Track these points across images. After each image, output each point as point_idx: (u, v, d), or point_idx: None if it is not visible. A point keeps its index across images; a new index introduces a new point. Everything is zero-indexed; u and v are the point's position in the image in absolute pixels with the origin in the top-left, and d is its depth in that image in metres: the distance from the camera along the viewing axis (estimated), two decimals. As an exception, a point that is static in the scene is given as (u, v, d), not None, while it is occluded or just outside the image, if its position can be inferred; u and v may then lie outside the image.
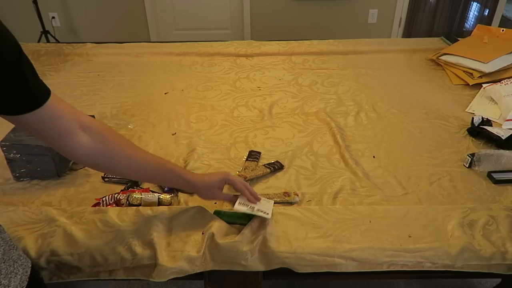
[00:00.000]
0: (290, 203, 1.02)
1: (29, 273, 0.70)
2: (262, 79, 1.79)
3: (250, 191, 0.93)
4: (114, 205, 0.99)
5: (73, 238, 0.88)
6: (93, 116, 1.39)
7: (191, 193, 1.05)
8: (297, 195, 1.04)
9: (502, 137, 1.23)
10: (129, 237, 0.88)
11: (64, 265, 0.86)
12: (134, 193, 1.00)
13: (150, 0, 3.77)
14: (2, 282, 0.62)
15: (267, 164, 1.17)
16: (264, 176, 1.13)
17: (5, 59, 0.58)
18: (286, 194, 1.04)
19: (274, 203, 1.01)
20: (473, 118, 1.37)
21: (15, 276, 0.66)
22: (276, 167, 1.16)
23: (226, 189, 0.94)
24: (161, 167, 0.86)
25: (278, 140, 1.33)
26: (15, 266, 0.66)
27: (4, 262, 0.64)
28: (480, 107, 1.52)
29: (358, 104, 1.56)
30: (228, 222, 0.93)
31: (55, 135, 0.69)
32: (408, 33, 3.95)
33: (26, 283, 0.68)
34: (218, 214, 0.95)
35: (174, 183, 0.93)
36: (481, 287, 1.55)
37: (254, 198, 0.93)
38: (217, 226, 0.91)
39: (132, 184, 1.09)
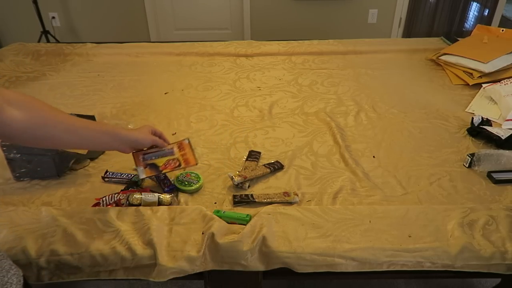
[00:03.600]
0: (290, 203, 1.02)
1: (22, 282, 0.69)
2: (262, 79, 1.79)
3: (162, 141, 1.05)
4: (114, 205, 0.99)
5: (73, 238, 0.88)
6: (93, 116, 1.41)
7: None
8: (297, 195, 1.04)
9: (502, 137, 1.23)
10: (129, 237, 0.88)
11: (64, 265, 0.86)
12: (134, 193, 1.00)
13: (150, 0, 3.77)
14: None
15: (267, 164, 1.17)
16: (264, 176, 1.13)
17: None
18: (286, 194, 1.05)
19: (274, 203, 1.02)
20: (473, 118, 1.37)
21: (11, 285, 0.65)
22: (276, 167, 1.16)
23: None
24: (94, 126, 0.88)
25: (278, 140, 1.33)
26: (9, 276, 0.66)
27: None
28: (480, 107, 1.52)
29: (358, 104, 1.56)
30: (227, 222, 0.93)
31: None
32: (408, 33, 3.95)
33: None
34: (218, 213, 0.95)
35: (111, 141, 0.92)
36: (481, 287, 1.55)
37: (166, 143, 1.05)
38: (217, 226, 0.91)
39: (132, 184, 1.10)
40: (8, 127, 0.69)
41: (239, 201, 1.02)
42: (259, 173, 1.12)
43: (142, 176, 1.02)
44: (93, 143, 0.90)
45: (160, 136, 1.05)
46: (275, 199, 1.02)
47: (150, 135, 1.00)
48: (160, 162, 1.04)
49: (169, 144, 1.08)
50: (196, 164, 1.06)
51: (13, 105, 0.70)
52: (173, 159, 1.06)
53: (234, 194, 1.04)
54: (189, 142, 1.12)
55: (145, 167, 1.03)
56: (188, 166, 1.05)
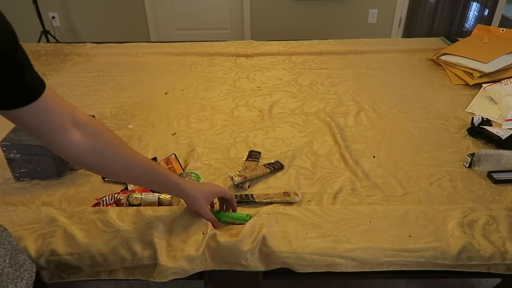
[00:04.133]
0: (290, 203, 1.02)
1: (34, 278, 0.69)
2: (262, 79, 1.79)
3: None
4: (114, 205, 0.99)
5: (73, 238, 0.88)
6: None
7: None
8: (297, 195, 1.04)
9: (502, 137, 1.23)
10: (129, 237, 0.88)
11: (64, 265, 0.86)
12: (134, 193, 1.00)
13: (150, 0, 3.77)
14: (8, 287, 0.62)
15: (267, 164, 1.17)
16: (264, 176, 1.13)
17: (1, 48, 0.55)
18: (286, 194, 1.05)
19: (274, 203, 1.02)
20: (473, 118, 1.37)
21: (21, 280, 0.65)
22: (276, 167, 1.16)
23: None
24: (152, 170, 0.83)
25: (278, 140, 1.33)
26: (21, 270, 0.66)
27: (11, 267, 0.63)
28: (480, 107, 1.52)
29: (358, 104, 1.56)
30: (228, 223, 0.93)
31: (47, 131, 0.66)
32: (408, 33, 3.95)
33: (31, 287, 0.68)
34: (218, 214, 0.95)
35: (164, 187, 0.88)
36: (481, 287, 1.55)
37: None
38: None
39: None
40: (67, 148, 0.69)
41: (239, 201, 1.02)
42: (259, 173, 1.12)
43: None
44: (146, 185, 0.89)
45: (229, 200, 0.95)
46: (275, 199, 1.02)
47: (203, 205, 0.89)
48: None
49: (235, 210, 0.96)
50: (183, 171, 1.12)
51: (79, 128, 0.69)
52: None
53: (235, 194, 1.04)
54: (175, 156, 1.19)
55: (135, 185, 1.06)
56: (176, 174, 1.09)
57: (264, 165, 1.16)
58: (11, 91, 0.59)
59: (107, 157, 0.75)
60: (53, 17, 3.80)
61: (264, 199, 1.02)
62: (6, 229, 0.66)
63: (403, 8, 3.84)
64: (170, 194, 0.94)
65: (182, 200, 1.03)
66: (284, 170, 1.17)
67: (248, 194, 1.04)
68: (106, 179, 1.12)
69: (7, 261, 0.62)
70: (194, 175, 1.10)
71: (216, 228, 0.90)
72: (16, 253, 0.66)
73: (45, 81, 0.65)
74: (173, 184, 0.85)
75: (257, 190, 1.08)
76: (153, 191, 1.04)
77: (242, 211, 0.98)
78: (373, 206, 1.00)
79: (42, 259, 0.85)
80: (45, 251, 0.86)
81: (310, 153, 1.25)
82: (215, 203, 0.98)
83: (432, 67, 1.91)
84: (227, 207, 0.97)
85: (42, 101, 0.62)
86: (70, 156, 0.71)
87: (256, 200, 1.02)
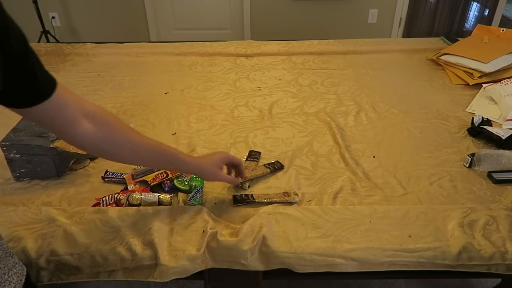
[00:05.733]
0: (290, 203, 1.02)
1: (23, 281, 0.69)
2: (262, 79, 1.79)
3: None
4: (114, 205, 0.99)
5: (73, 238, 0.88)
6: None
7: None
8: (297, 195, 1.04)
9: (502, 137, 1.23)
10: (129, 237, 0.88)
11: (64, 265, 0.86)
12: (134, 193, 1.00)
13: (150, 0, 3.77)
14: None
15: (267, 164, 1.17)
16: (264, 176, 1.13)
17: (14, 52, 0.57)
18: (286, 194, 1.05)
19: (274, 203, 1.02)
20: (473, 118, 1.37)
21: (9, 284, 0.65)
22: (276, 167, 1.16)
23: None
24: (162, 151, 0.87)
25: (278, 140, 1.33)
26: (10, 274, 0.66)
27: None
28: (480, 107, 1.52)
29: (358, 104, 1.56)
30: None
31: (60, 124, 0.70)
32: (408, 33, 3.95)
33: None
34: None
35: (175, 166, 0.91)
36: (481, 287, 1.55)
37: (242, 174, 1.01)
38: (218, 225, 0.91)
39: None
40: (80, 138, 0.73)
41: (239, 201, 1.02)
42: (259, 173, 1.12)
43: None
44: (157, 166, 0.93)
45: (237, 166, 1.00)
46: (275, 199, 1.02)
47: (216, 171, 0.93)
48: (149, 177, 1.09)
49: (244, 177, 1.01)
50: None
51: (89, 118, 0.73)
52: (161, 173, 1.10)
53: (234, 194, 1.04)
54: None
55: (135, 185, 1.07)
56: (175, 174, 1.09)
57: (264, 165, 1.16)
58: (24, 92, 0.62)
59: (118, 143, 0.79)
60: (53, 17, 3.81)
61: (264, 199, 1.02)
62: None
63: (403, 8, 3.84)
64: (182, 173, 0.96)
65: (181, 201, 1.04)
66: (284, 170, 1.17)
67: (248, 194, 1.04)
68: (106, 179, 1.12)
69: None
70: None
71: (236, 184, 0.99)
72: (6, 256, 0.66)
73: None
74: (182, 162, 0.89)
75: (257, 190, 1.08)
76: (153, 191, 1.04)
77: (242, 211, 0.98)
78: (373, 206, 1.00)
79: (42, 259, 0.85)
80: (45, 251, 0.86)
81: (310, 153, 1.25)
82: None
83: (432, 67, 1.91)
84: (235, 173, 1.01)
85: (54, 98, 0.65)
86: (83, 145, 0.75)
87: (256, 200, 1.02)
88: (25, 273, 0.71)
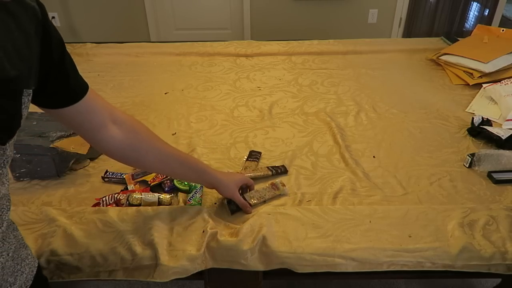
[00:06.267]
0: (281, 196, 1.04)
1: (34, 272, 0.70)
2: (262, 79, 1.79)
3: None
4: (114, 205, 0.99)
5: (73, 238, 0.88)
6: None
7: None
8: (285, 186, 1.06)
9: (502, 137, 1.23)
10: (129, 237, 0.88)
11: (64, 265, 0.86)
12: (134, 193, 1.00)
13: (150, 0, 3.78)
14: (8, 280, 0.63)
15: (271, 166, 1.16)
16: (264, 177, 1.13)
17: (53, 56, 0.61)
18: (275, 187, 1.05)
19: (268, 200, 1.02)
20: (473, 118, 1.37)
21: (21, 274, 0.66)
22: (279, 171, 1.15)
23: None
24: (186, 161, 0.89)
25: (278, 140, 1.33)
26: (23, 264, 0.67)
27: (12, 260, 0.64)
28: (480, 107, 1.52)
29: (358, 104, 1.56)
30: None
31: (88, 128, 0.73)
32: (408, 33, 3.95)
33: (31, 282, 0.69)
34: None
35: (198, 178, 0.93)
36: (481, 287, 1.55)
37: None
38: (218, 225, 0.91)
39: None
40: (106, 143, 0.76)
41: (235, 209, 0.98)
42: (259, 174, 1.12)
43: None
44: (181, 176, 0.95)
45: (249, 187, 1.03)
46: (267, 196, 1.02)
47: (235, 190, 0.96)
48: (149, 178, 1.09)
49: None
50: None
51: (117, 125, 0.76)
52: None
53: (228, 201, 1.00)
54: None
55: (135, 185, 1.07)
56: None
57: (268, 167, 1.15)
58: (56, 93, 0.65)
59: (144, 151, 0.81)
60: (53, 17, 3.81)
61: (257, 199, 1.01)
62: (13, 223, 0.67)
63: (403, 8, 3.85)
64: (203, 184, 0.98)
65: (181, 201, 1.04)
66: (284, 170, 1.17)
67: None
68: (106, 179, 1.12)
69: (10, 254, 0.63)
70: (194, 175, 1.10)
71: (249, 213, 0.97)
72: (19, 247, 0.67)
73: None
74: (207, 175, 0.92)
75: (255, 188, 1.08)
76: (153, 191, 1.04)
77: (240, 217, 0.97)
78: (373, 206, 1.00)
79: (42, 259, 0.85)
80: (45, 251, 0.86)
81: (310, 153, 1.25)
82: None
83: (432, 67, 1.91)
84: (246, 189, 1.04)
85: (84, 101, 0.69)
86: (109, 150, 0.78)
87: (250, 202, 1.00)
88: (36, 265, 0.72)
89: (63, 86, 0.65)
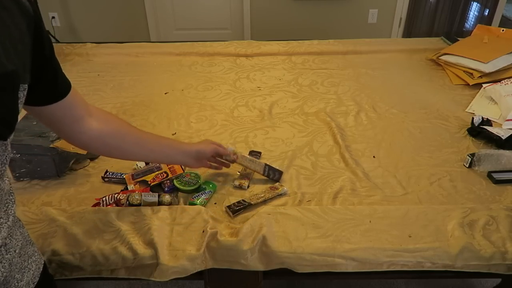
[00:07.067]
0: (281, 195, 1.04)
1: (41, 269, 0.71)
2: (262, 79, 1.79)
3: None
4: (114, 205, 0.99)
5: (74, 238, 0.88)
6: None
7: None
8: (283, 186, 1.07)
9: (502, 137, 1.23)
10: (130, 237, 0.88)
11: (65, 264, 0.87)
12: (134, 193, 1.00)
13: (150, 0, 3.78)
14: (15, 276, 0.63)
15: (269, 167, 1.13)
16: (263, 177, 1.13)
17: (45, 53, 0.63)
18: (274, 188, 1.06)
19: (268, 199, 1.03)
20: (473, 118, 1.37)
21: (28, 271, 0.67)
22: (271, 176, 1.12)
23: None
24: (162, 140, 0.96)
25: (278, 140, 1.33)
26: (30, 261, 0.67)
27: (19, 257, 0.65)
28: (480, 107, 1.52)
29: (358, 104, 1.56)
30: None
31: (68, 122, 0.75)
32: (408, 33, 3.95)
33: (38, 278, 0.69)
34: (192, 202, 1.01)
35: (177, 153, 0.97)
36: (481, 287, 1.55)
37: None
38: (218, 225, 0.91)
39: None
40: (85, 135, 0.78)
41: (236, 209, 0.98)
42: (251, 167, 1.10)
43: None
44: (160, 156, 0.97)
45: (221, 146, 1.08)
46: (267, 196, 1.03)
47: (211, 144, 1.03)
48: (149, 177, 1.09)
49: (226, 150, 1.07)
50: (184, 172, 1.11)
51: (93, 117, 0.79)
52: (161, 173, 1.11)
53: (228, 205, 1.01)
54: None
55: (135, 185, 1.07)
56: (175, 174, 1.10)
57: (266, 165, 1.12)
58: (48, 90, 0.67)
59: (121, 137, 0.85)
60: (53, 17, 3.81)
61: (258, 199, 1.01)
62: (19, 220, 0.67)
63: (403, 8, 3.85)
64: (184, 159, 1.00)
65: (182, 200, 1.04)
66: (284, 170, 1.16)
67: (240, 200, 1.01)
68: (106, 179, 1.12)
69: (17, 251, 0.64)
70: (194, 175, 1.10)
71: (233, 160, 1.07)
72: (26, 244, 0.68)
73: None
74: (184, 145, 1.00)
75: (256, 190, 1.08)
76: (153, 191, 1.04)
77: (241, 217, 0.97)
78: (373, 206, 1.00)
79: (44, 258, 0.85)
80: (46, 251, 0.86)
81: (310, 153, 1.25)
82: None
83: (432, 67, 1.91)
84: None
85: (68, 97, 0.71)
86: (89, 142, 0.80)
87: (252, 202, 1.00)
88: (42, 262, 0.72)
89: (52, 82, 0.67)
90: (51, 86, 0.67)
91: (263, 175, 1.12)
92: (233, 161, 1.09)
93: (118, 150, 0.87)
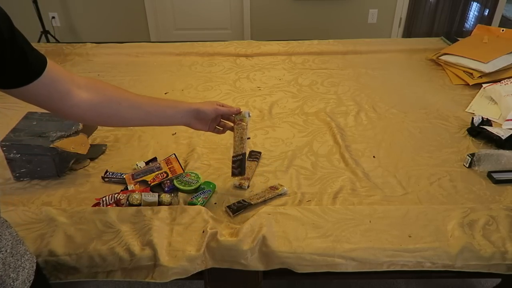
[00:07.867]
0: (281, 195, 1.04)
1: (35, 267, 0.71)
2: (262, 79, 1.79)
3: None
4: (114, 205, 0.99)
5: (72, 238, 0.88)
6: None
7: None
8: (283, 186, 1.07)
9: (502, 137, 1.23)
10: (128, 238, 0.88)
11: (62, 266, 0.86)
12: (134, 193, 1.00)
13: (150, 0, 3.78)
14: (11, 276, 0.63)
15: (250, 158, 1.20)
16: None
17: (4, 36, 0.59)
18: (274, 188, 1.06)
19: (268, 199, 1.03)
20: (473, 118, 1.37)
21: (23, 270, 0.67)
22: (256, 157, 1.20)
23: None
24: (158, 101, 0.90)
25: (278, 140, 1.33)
26: (23, 260, 0.67)
27: (12, 256, 0.65)
28: (480, 107, 1.52)
29: (358, 104, 1.56)
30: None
31: (57, 98, 0.72)
32: (408, 33, 3.95)
33: (32, 277, 0.69)
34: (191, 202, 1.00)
35: (176, 112, 0.93)
36: (481, 287, 1.55)
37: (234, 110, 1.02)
38: (218, 225, 0.91)
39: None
40: (77, 107, 0.75)
41: (236, 209, 0.99)
42: (263, 195, 1.07)
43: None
44: (158, 117, 0.91)
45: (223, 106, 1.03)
46: (267, 196, 1.03)
47: (213, 104, 0.97)
48: (149, 177, 1.09)
49: (232, 108, 1.02)
50: (184, 172, 1.11)
51: (81, 88, 0.75)
52: (161, 173, 1.10)
53: (228, 205, 1.01)
54: (175, 156, 1.18)
55: (135, 185, 1.07)
56: (175, 173, 1.10)
57: (249, 159, 1.19)
58: (17, 71, 0.64)
59: (116, 103, 0.81)
60: (53, 17, 3.81)
61: (258, 199, 1.02)
62: (6, 221, 0.67)
63: (403, 8, 3.85)
64: (183, 116, 0.95)
65: (182, 201, 1.04)
66: (284, 170, 1.17)
67: (240, 200, 1.02)
68: (106, 179, 1.12)
69: (8, 251, 0.64)
70: (194, 175, 1.10)
71: (236, 111, 1.02)
72: (17, 244, 0.68)
73: None
74: (183, 104, 0.93)
75: (257, 189, 1.08)
76: (153, 191, 1.04)
77: (241, 217, 0.98)
78: (373, 206, 1.00)
79: (40, 259, 0.85)
80: (43, 251, 0.86)
81: (310, 153, 1.25)
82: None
83: (432, 67, 1.91)
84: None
85: (46, 74, 0.67)
86: (84, 114, 0.77)
87: (252, 202, 1.01)
88: (35, 261, 0.72)
89: (22, 62, 0.64)
90: (22, 65, 0.64)
91: (256, 161, 1.17)
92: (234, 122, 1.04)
93: (115, 118, 0.83)
